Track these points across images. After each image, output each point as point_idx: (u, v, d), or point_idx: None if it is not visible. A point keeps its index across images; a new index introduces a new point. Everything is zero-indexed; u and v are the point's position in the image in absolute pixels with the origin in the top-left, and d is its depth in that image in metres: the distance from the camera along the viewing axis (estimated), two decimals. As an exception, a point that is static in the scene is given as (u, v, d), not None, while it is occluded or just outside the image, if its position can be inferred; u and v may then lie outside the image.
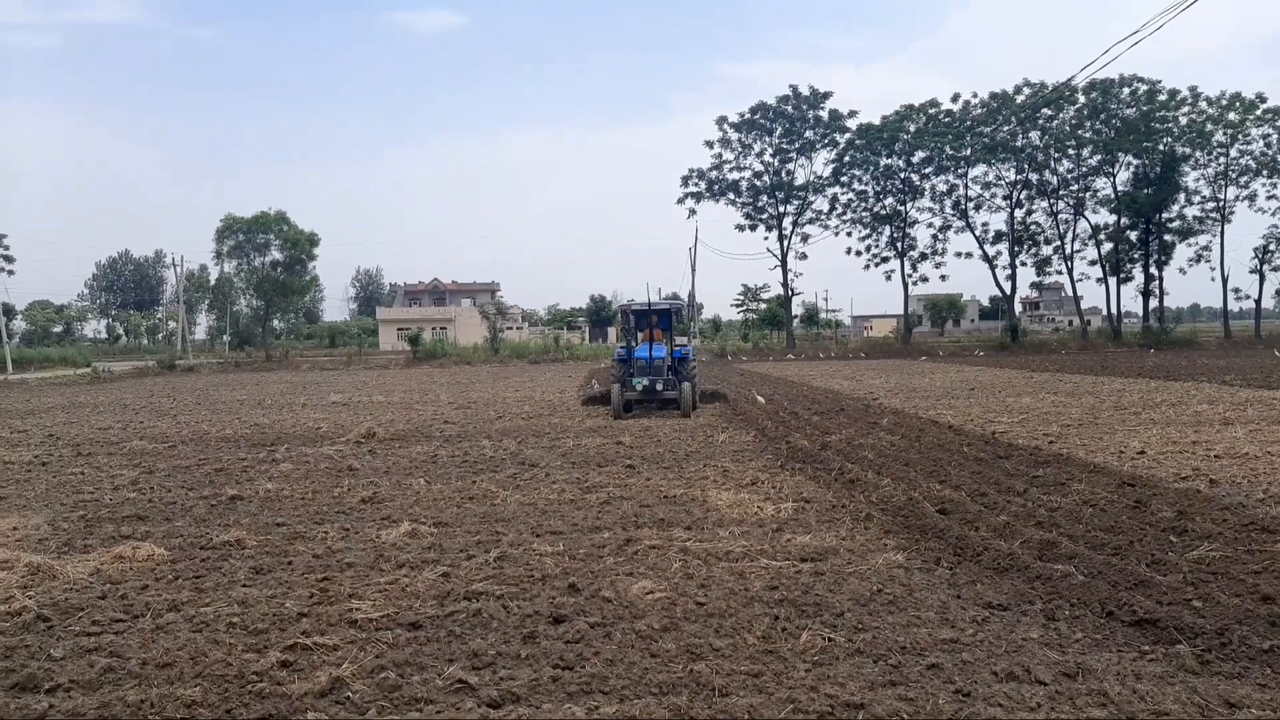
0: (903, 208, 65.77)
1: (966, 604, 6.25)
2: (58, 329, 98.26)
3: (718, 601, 6.35)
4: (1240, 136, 60.49)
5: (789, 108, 64.39)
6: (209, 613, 6.31)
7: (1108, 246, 63.62)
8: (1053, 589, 6.43)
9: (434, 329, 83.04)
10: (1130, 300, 68.47)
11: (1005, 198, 64.79)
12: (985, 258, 65.05)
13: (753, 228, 66.96)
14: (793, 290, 68.76)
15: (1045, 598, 6.30)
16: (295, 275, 64.74)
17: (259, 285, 64.01)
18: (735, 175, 66.47)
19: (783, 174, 66.39)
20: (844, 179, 65.75)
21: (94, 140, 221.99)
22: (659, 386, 19.10)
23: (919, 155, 64.13)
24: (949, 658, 5.24)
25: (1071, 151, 63.06)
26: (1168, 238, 62.83)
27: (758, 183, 66.48)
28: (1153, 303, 64.72)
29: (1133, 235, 63.41)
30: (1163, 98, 59.84)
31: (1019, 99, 61.27)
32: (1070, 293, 69.44)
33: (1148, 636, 5.51)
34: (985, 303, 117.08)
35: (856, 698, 4.69)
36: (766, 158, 66.31)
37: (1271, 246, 62.36)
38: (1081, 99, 60.28)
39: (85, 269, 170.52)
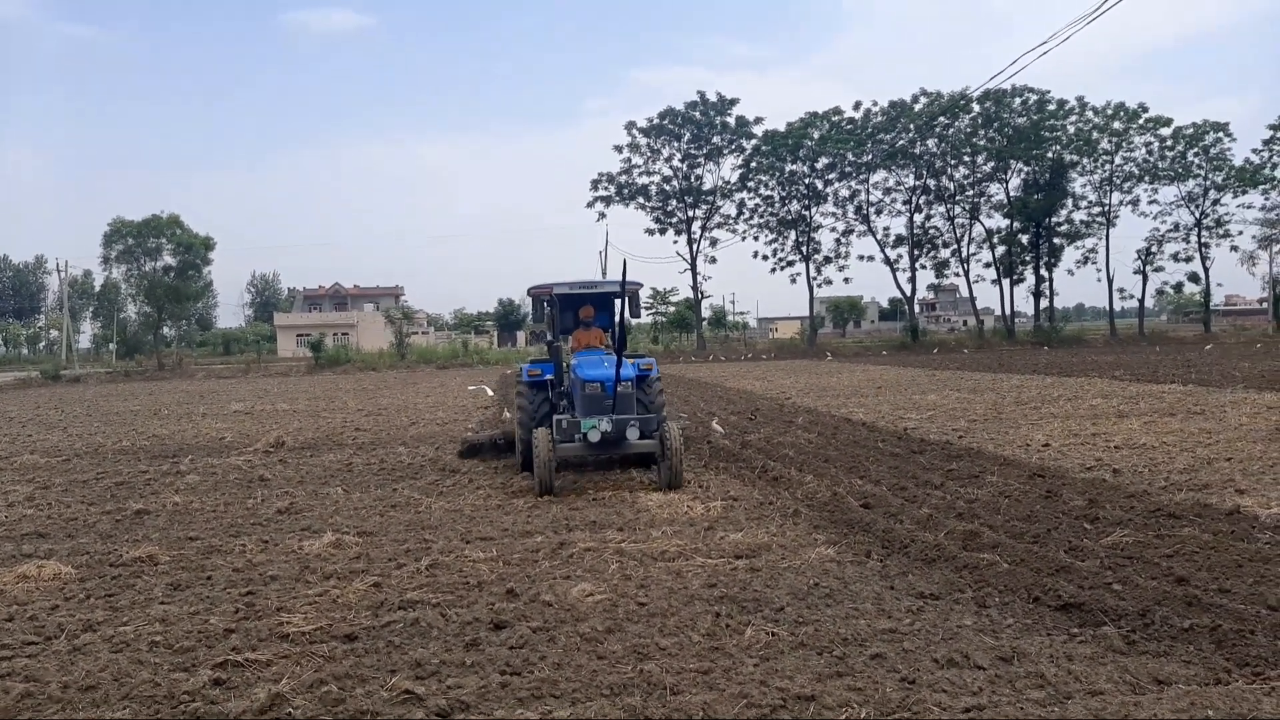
0: (807, 212, 67.09)
1: (900, 594, 6.40)
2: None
3: (659, 601, 6.35)
4: (1124, 144, 63.45)
5: (697, 114, 65.02)
6: (128, 632, 6.01)
7: (1001, 249, 66.17)
8: (980, 577, 6.63)
9: (336, 334, 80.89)
10: (1022, 300, 71.42)
11: (905, 203, 66.84)
12: (887, 261, 67.02)
13: (662, 231, 67.52)
14: (702, 293, 69.53)
15: (974, 586, 6.49)
16: (189, 280, 62.09)
17: (150, 291, 61.02)
18: (645, 180, 66.90)
19: (691, 179, 67.00)
20: (751, 184, 66.70)
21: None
22: (629, 433, 10.80)
23: (823, 161, 65.51)
24: (890, 647, 5.35)
25: (967, 158, 65.47)
26: (1056, 241, 65.57)
27: (667, 187, 66.98)
28: (1043, 303, 67.60)
29: (1024, 239, 66.14)
30: (1052, 107, 62.43)
31: (916, 108, 63.29)
32: (966, 294, 71.94)
33: (1075, 620, 5.73)
34: (885, 304, 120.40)
35: (807, 690, 4.74)
36: (675, 163, 66.85)
37: (1153, 248, 65.75)
38: (976, 108, 62.53)
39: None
